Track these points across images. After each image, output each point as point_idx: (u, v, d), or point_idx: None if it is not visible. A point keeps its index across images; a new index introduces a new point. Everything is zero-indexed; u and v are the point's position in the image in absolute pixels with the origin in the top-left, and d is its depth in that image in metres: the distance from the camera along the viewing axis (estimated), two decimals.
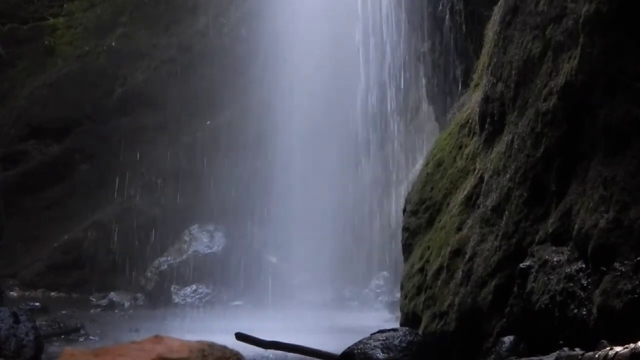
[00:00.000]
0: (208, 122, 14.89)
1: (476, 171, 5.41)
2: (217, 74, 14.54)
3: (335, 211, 14.07)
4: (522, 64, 4.74)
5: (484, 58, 5.98)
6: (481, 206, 5.08)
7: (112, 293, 13.46)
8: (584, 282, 3.92)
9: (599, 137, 3.97)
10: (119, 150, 14.64)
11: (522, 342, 4.33)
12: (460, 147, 5.93)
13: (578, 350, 3.70)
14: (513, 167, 4.70)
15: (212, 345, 2.04)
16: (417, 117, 14.70)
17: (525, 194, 4.55)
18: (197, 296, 13.31)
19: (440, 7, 9.31)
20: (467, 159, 5.73)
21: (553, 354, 3.83)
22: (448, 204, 5.77)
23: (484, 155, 5.30)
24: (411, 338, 4.85)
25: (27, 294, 13.62)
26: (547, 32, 4.48)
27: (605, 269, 3.77)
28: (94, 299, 13.42)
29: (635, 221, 3.67)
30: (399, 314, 6.44)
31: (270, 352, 6.54)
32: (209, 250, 13.90)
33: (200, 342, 2.03)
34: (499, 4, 5.53)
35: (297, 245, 13.70)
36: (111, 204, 14.57)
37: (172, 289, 13.40)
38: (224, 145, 14.36)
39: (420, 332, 5.29)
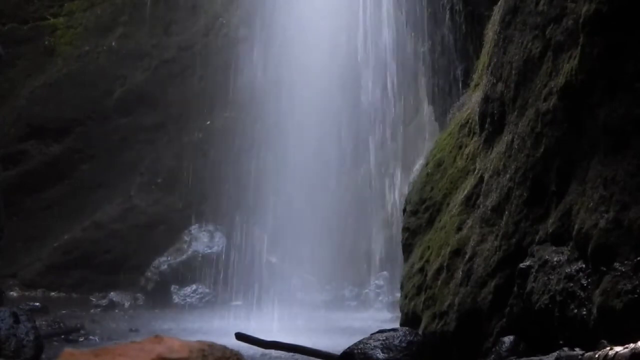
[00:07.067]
0: (208, 122, 14.90)
1: (476, 171, 5.41)
2: (218, 74, 14.53)
3: (335, 211, 14.07)
4: (522, 64, 4.74)
5: (484, 58, 5.98)
6: (481, 206, 5.08)
7: (112, 293, 13.46)
8: (584, 282, 3.92)
9: (599, 137, 3.97)
10: (119, 150, 14.64)
11: (522, 342, 4.34)
12: (460, 147, 5.93)
13: (578, 350, 3.70)
14: (513, 167, 4.70)
15: (212, 345, 2.03)
16: (417, 117, 14.70)
17: (525, 194, 4.55)
18: (197, 296, 13.31)
19: (440, 8, 9.32)
20: (467, 159, 5.73)
21: (553, 354, 3.83)
22: (448, 204, 5.77)
23: (484, 155, 5.30)
24: (411, 338, 4.85)
25: (27, 294, 13.61)
26: (547, 32, 4.48)
27: (605, 269, 3.77)
28: (94, 299, 13.42)
29: (635, 221, 3.67)
30: (399, 314, 6.44)
31: (270, 352, 6.54)
32: (209, 250, 13.90)
33: (200, 342, 2.02)
34: (499, 4, 5.53)
35: (297, 245, 13.70)
36: (111, 204, 14.57)
37: (172, 289, 13.40)
38: (224, 145, 14.35)
39: (420, 332, 5.29)
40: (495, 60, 5.22)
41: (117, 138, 14.68)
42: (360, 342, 4.90)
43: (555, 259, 4.17)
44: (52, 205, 14.54)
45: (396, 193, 13.79)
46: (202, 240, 14.06)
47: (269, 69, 14.20)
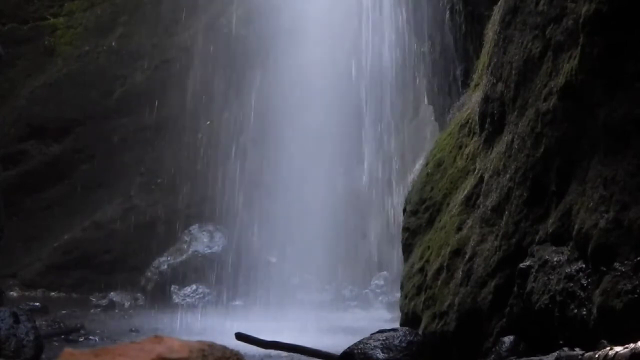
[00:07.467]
0: (208, 122, 14.90)
1: (476, 171, 5.41)
2: (217, 74, 14.54)
3: (335, 211, 14.07)
4: (522, 64, 4.74)
5: (484, 58, 5.98)
6: (481, 206, 5.08)
7: (112, 293, 13.46)
8: (584, 282, 3.91)
9: (599, 137, 3.97)
10: (119, 150, 14.64)
11: (522, 342, 4.33)
12: (460, 147, 5.93)
13: (578, 350, 3.70)
14: (513, 167, 4.70)
15: (212, 345, 2.03)
16: (417, 117, 14.71)
17: (525, 194, 4.55)
18: (197, 296, 13.31)
19: (440, 8, 9.32)
20: (467, 159, 5.73)
21: (553, 354, 3.83)
22: (448, 204, 5.77)
23: (484, 155, 5.30)
24: (411, 338, 4.85)
25: (27, 294, 13.62)
26: (547, 32, 4.48)
27: (605, 269, 3.77)
28: (94, 299, 13.42)
29: (635, 221, 3.67)
30: (399, 314, 6.44)
31: (270, 352, 6.54)
32: (209, 250, 13.90)
33: (200, 342, 2.02)
34: (499, 4, 5.53)
35: (297, 245, 13.70)
36: (111, 204, 14.57)
37: (172, 289, 13.40)
38: (224, 145, 14.36)
39: (420, 332, 5.29)
40: (495, 60, 5.22)
41: (117, 138, 14.69)
42: (360, 342, 4.90)
43: (555, 259, 4.17)
44: (52, 205, 14.55)
45: (396, 193, 13.79)
46: (202, 240, 14.06)
47: (268, 70, 14.20)
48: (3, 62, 12.99)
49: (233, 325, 6.97)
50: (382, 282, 13.72)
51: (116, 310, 12.74)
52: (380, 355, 4.72)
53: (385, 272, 13.77)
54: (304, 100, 13.83)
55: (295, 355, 6.18)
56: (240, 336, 5.39)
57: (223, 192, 13.94)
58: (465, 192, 5.46)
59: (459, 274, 5.10)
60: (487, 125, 5.29)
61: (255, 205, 13.95)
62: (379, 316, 11.59)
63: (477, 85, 6.11)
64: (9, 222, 11.35)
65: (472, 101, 6.04)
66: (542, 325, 4.17)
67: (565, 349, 3.79)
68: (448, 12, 8.83)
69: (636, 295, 3.58)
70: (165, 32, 15.16)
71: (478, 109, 5.51)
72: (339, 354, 5.06)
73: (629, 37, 3.84)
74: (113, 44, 14.97)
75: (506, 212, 4.71)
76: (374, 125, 13.86)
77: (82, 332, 9.42)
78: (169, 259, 13.89)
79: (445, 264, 5.38)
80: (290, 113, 13.85)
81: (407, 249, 6.34)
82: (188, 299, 13.26)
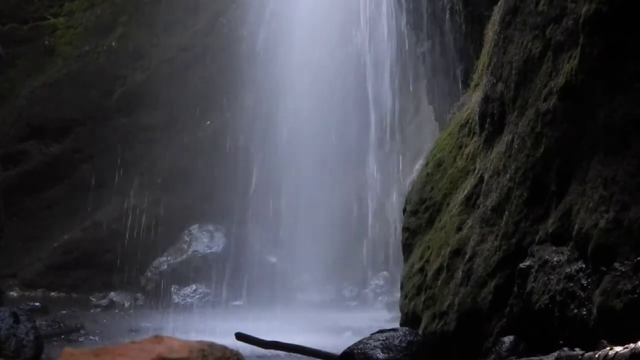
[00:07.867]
0: (208, 122, 14.89)
1: (476, 171, 5.41)
2: (217, 74, 14.54)
3: (335, 211, 14.08)
4: (522, 64, 4.74)
5: (484, 58, 5.98)
6: (481, 206, 5.08)
7: (112, 293, 13.46)
8: (584, 282, 3.91)
9: (599, 137, 3.97)
10: (119, 150, 14.64)
11: (522, 342, 4.33)
12: (460, 147, 5.93)
13: (578, 350, 3.70)
14: (513, 167, 4.70)
15: (212, 345, 2.03)
16: (417, 117, 14.71)
17: (525, 194, 4.55)
18: (197, 296, 13.31)
19: (440, 8, 9.32)
20: (467, 159, 5.73)
21: (553, 354, 3.83)
22: (448, 204, 5.77)
23: (484, 155, 5.30)
24: (411, 338, 4.85)
25: (27, 294, 13.62)
26: (547, 32, 4.48)
27: (605, 269, 3.77)
28: (94, 299, 13.42)
29: (635, 221, 3.67)
30: (399, 314, 6.44)
31: (270, 352, 6.54)
32: (209, 250, 13.90)
33: (200, 342, 2.02)
34: (499, 4, 5.53)
35: (297, 245, 13.71)
36: (111, 204, 14.57)
37: (172, 289, 13.40)
38: (224, 145, 14.35)
39: (420, 332, 5.29)
40: (495, 60, 5.22)
41: (117, 138, 14.68)
42: (360, 342, 4.90)
43: (555, 259, 4.17)
44: (52, 205, 14.54)
45: (396, 193, 13.79)
46: (202, 240, 14.06)
47: (269, 70, 14.20)
48: (3, 62, 12.99)
49: (233, 325, 6.97)
50: (382, 282, 13.73)
51: (116, 310, 12.75)
52: (380, 355, 4.72)
53: (385, 272, 13.78)
54: (305, 101, 13.83)
55: (295, 355, 6.18)
56: (240, 336, 5.39)
57: (223, 192, 13.94)
58: (465, 192, 5.46)
59: (459, 274, 5.10)
60: (487, 125, 5.29)
61: (255, 205, 13.95)
62: (379, 316, 11.59)
63: (477, 85, 6.11)
64: (9, 222, 11.36)
65: (472, 101, 6.04)
66: (542, 325, 4.17)
67: (565, 349, 3.79)
68: (448, 12, 8.83)
69: (636, 295, 3.58)
70: (165, 32, 15.16)
71: (478, 109, 5.51)
72: (339, 354, 5.06)
73: (629, 37, 3.84)
74: (113, 44, 14.97)
75: (506, 212, 4.71)
76: (374, 125, 13.85)
77: (82, 332, 9.43)
78: (169, 259, 13.89)
79: (445, 264, 5.38)
80: (290, 113, 13.85)
81: (407, 249, 6.34)
82: (188, 299, 13.26)
